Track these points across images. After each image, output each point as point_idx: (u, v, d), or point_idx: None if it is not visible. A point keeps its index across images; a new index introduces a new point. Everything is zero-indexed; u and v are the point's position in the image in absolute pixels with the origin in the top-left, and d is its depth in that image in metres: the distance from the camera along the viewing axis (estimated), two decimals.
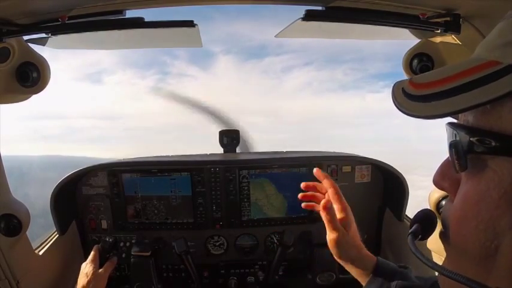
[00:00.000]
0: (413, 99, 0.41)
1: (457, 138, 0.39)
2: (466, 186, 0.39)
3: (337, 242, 0.88)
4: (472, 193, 0.38)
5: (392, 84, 0.45)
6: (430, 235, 0.58)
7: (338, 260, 0.92)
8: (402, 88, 0.43)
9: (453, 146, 0.39)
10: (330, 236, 0.89)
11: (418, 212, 0.63)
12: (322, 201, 0.89)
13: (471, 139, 0.37)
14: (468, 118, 0.39)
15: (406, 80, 0.44)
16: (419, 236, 0.56)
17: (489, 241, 0.36)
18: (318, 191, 0.99)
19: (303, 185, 0.98)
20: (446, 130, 0.42)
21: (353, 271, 0.92)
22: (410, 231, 0.57)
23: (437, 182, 0.45)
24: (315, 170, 0.97)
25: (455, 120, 0.42)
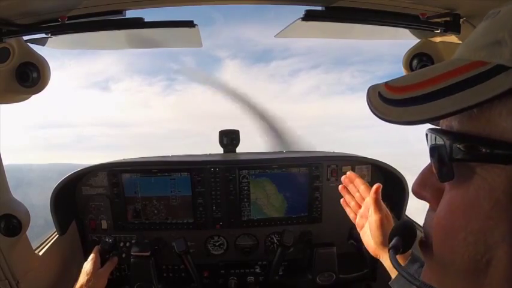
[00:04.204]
0: (391, 104, 0.38)
1: (440, 145, 0.36)
2: (451, 194, 0.37)
3: (382, 222, 0.92)
4: (459, 202, 0.35)
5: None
6: (410, 247, 0.57)
7: (377, 247, 0.94)
8: (379, 92, 0.39)
9: (436, 153, 0.36)
10: (375, 216, 0.93)
11: (396, 224, 0.64)
12: (376, 184, 0.95)
13: (458, 146, 0.34)
14: (452, 123, 0.36)
15: (382, 83, 0.40)
16: (400, 250, 0.56)
17: (480, 254, 0.33)
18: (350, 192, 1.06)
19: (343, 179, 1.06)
20: (427, 137, 0.39)
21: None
22: (390, 245, 0.56)
23: (417, 191, 0.42)
24: (348, 172, 1.07)
25: (436, 127, 0.39)
